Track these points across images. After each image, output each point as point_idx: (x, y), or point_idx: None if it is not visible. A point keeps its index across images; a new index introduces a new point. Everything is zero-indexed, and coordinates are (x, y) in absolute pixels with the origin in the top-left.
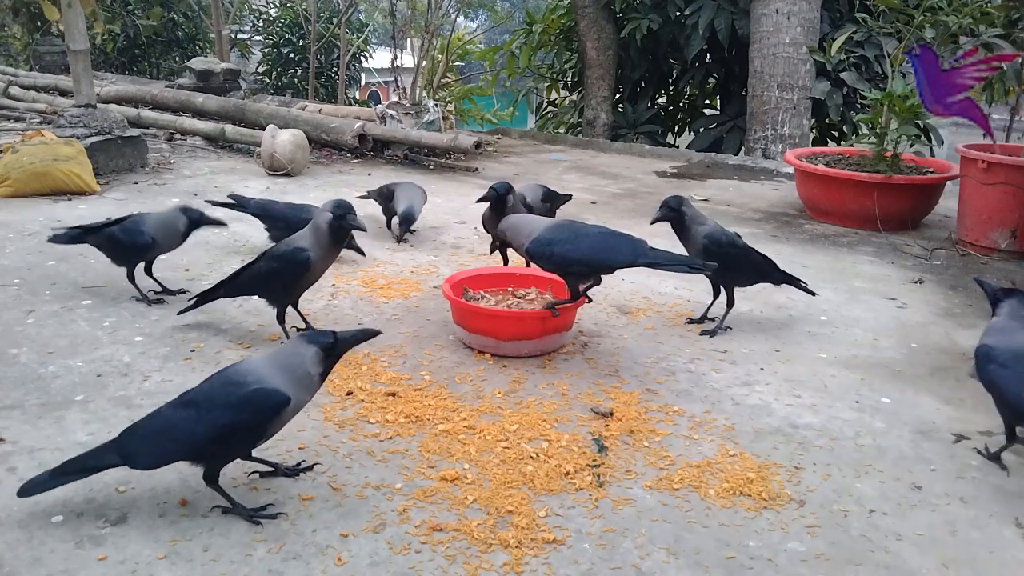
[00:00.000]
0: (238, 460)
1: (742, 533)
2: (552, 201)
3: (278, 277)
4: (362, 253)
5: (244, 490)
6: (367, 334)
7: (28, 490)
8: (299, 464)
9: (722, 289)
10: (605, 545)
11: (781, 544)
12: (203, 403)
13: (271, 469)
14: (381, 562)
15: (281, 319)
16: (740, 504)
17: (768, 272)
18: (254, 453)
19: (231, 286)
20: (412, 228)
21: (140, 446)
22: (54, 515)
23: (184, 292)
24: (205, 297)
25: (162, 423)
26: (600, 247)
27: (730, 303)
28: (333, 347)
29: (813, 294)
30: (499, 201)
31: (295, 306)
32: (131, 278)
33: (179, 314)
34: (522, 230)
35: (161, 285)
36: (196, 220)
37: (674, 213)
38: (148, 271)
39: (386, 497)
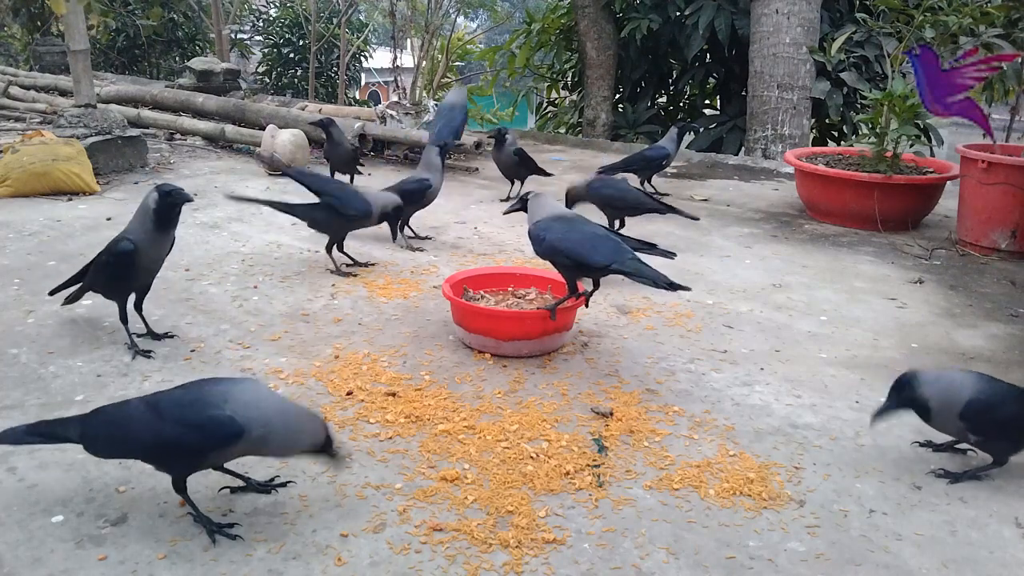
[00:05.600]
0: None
1: (742, 533)
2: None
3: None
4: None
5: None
6: (338, 461)
7: (2, 439)
8: (273, 479)
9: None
10: (605, 545)
11: (781, 544)
12: (163, 410)
13: (243, 484)
14: (381, 562)
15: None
16: (740, 504)
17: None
18: (233, 465)
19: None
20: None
21: (98, 432)
22: (54, 515)
23: (172, 336)
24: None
25: (122, 416)
26: (584, 244)
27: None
28: (324, 446)
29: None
30: (499, 139)
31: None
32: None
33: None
34: (535, 212)
35: (147, 326)
36: None
37: None
38: (138, 306)
39: (386, 497)
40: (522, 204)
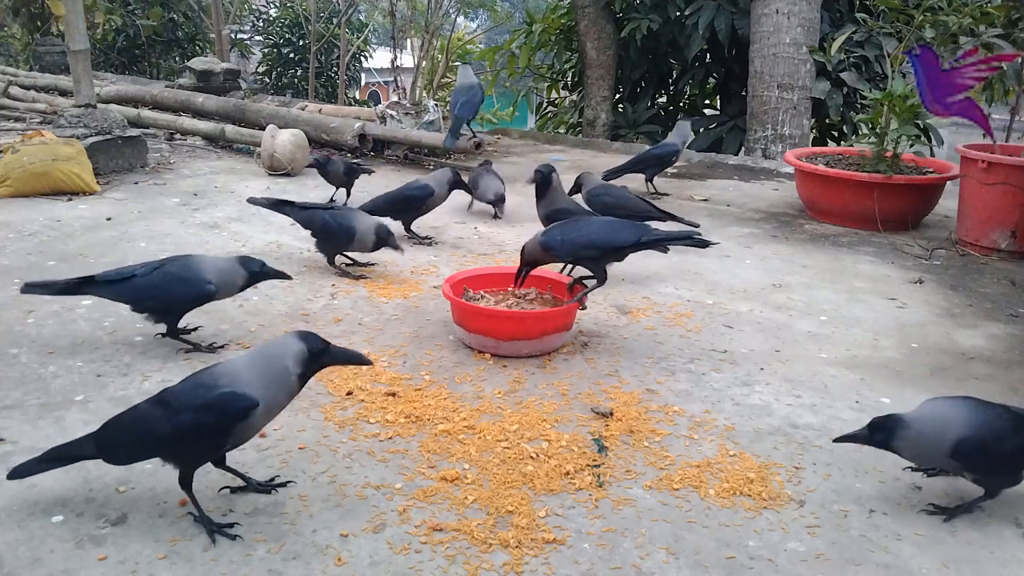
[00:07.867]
0: (221, 472)
1: (742, 533)
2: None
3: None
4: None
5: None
6: (360, 359)
7: (17, 473)
8: (273, 479)
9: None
10: (605, 545)
11: (781, 544)
12: (173, 402)
13: (243, 484)
14: (381, 562)
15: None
16: (740, 504)
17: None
18: (233, 464)
19: None
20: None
21: (114, 440)
22: (54, 515)
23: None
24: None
25: (134, 420)
26: (606, 230)
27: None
28: (321, 353)
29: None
30: (543, 182)
31: None
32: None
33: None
34: (538, 233)
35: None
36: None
37: None
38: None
39: (386, 497)
40: (541, 178)
